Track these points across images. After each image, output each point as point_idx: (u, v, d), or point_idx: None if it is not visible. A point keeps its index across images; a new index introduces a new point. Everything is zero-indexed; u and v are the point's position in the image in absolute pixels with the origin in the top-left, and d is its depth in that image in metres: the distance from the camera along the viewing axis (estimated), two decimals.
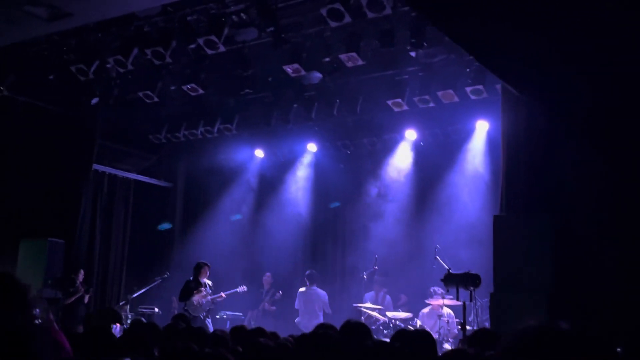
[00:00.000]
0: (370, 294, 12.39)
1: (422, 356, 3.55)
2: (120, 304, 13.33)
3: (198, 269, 12.44)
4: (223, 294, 12.50)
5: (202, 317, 12.18)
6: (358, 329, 4.13)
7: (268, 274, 13.96)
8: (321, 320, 12.17)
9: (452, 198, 12.84)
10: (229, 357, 3.11)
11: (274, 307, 13.52)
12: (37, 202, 12.66)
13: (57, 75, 11.64)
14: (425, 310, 11.50)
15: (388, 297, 12.44)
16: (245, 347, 3.72)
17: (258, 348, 3.42)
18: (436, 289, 11.02)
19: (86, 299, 12.57)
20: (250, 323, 12.93)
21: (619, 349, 5.30)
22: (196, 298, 12.18)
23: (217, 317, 13.54)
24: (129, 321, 11.93)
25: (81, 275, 12.64)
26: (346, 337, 3.91)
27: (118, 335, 5.27)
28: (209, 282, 12.55)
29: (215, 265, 13.27)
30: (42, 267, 12.19)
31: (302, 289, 12.87)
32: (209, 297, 12.31)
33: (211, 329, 12.04)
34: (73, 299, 12.23)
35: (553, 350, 1.49)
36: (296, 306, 12.83)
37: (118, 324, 7.02)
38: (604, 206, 8.10)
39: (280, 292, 13.52)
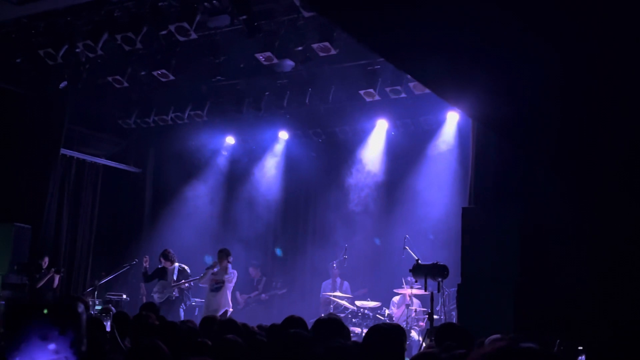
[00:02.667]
0: (327, 282, 12.51)
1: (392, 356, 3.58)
2: (88, 290, 13.22)
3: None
4: (185, 282, 12.44)
5: (172, 299, 12.13)
6: (333, 326, 4.15)
7: (255, 262, 14.00)
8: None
9: (423, 188, 12.90)
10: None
11: (266, 296, 13.60)
12: (4, 186, 12.49)
13: (25, 59, 11.43)
14: (396, 298, 11.65)
15: (346, 282, 12.59)
16: (214, 343, 3.72)
17: (228, 345, 3.42)
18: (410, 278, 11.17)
19: (56, 281, 12.42)
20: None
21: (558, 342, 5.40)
22: (158, 286, 12.24)
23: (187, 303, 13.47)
24: (96, 308, 11.85)
25: (45, 262, 12.47)
26: (320, 334, 3.92)
27: None
28: (185, 266, 12.46)
29: (185, 251, 13.23)
30: (8, 252, 12.03)
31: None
32: (172, 284, 12.29)
33: (182, 316, 12.04)
34: (43, 282, 12.12)
35: None
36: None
37: None
38: (572, 199, 8.20)
39: (280, 283, 13.50)
